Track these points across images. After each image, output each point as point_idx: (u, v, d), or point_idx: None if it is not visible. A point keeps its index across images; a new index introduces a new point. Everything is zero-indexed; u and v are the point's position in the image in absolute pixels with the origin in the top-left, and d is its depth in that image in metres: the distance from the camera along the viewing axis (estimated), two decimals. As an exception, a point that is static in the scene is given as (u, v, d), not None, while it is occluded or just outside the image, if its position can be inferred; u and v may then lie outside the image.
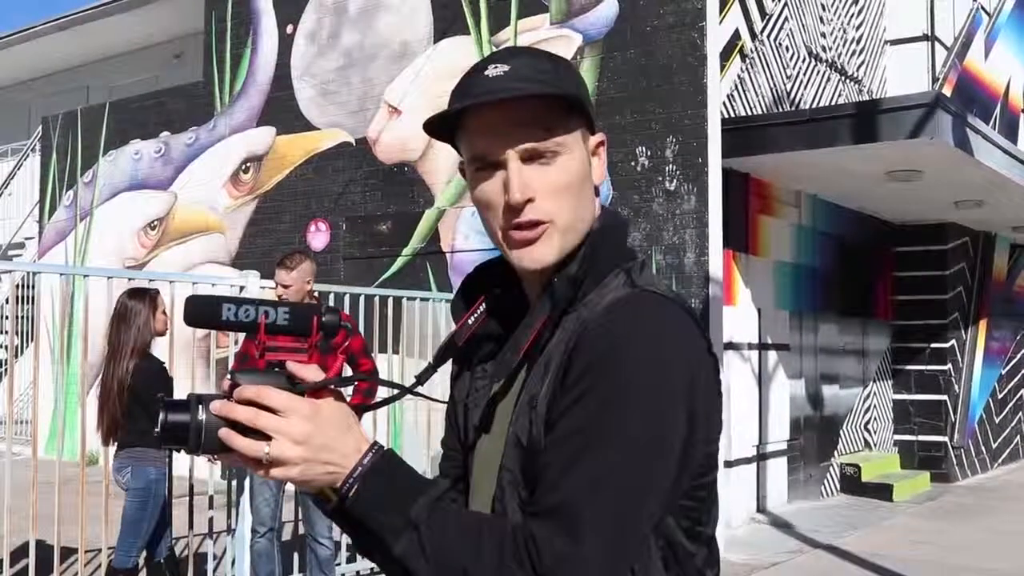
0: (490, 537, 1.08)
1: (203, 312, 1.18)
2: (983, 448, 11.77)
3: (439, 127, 1.23)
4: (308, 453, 1.09)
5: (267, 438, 1.09)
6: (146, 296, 5.07)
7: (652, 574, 1.14)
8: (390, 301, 6.54)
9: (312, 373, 1.14)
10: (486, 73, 1.19)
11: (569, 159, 1.20)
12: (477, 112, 1.19)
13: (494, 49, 8.90)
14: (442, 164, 9.20)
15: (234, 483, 5.64)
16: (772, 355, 8.93)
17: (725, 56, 8.18)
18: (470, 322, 1.29)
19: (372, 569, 6.05)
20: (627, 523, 1.08)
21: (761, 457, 8.66)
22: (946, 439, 10.83)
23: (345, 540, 5.83)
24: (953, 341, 11.03)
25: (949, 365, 10.92)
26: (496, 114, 1.18)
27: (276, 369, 1.15)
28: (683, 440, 1.11)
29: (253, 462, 1.10)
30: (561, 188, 1.19)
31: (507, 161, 1.18)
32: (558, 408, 1.12)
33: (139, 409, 4.84)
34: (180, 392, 5.32)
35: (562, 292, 1.19)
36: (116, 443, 4.98)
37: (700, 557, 1.20)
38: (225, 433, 1.09)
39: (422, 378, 1.29)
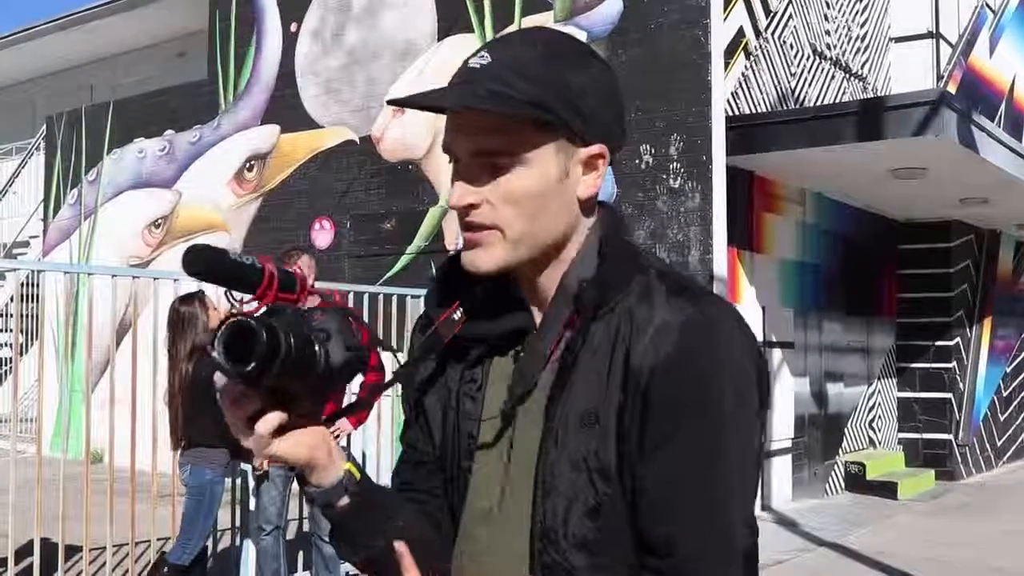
0: None
1: (207, 258, 1.08)
2: (988, 446, 11.75)
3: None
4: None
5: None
6: (194, 299, 5.22)
7: None
8: (394, 299, 6.53)
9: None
10: (470, 62, 1.14)
11: (529, 170, 1.12)
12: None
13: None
14: (446, 162, 9.15)
15: (239, 481, 5.64)
16: (776, 353, 8.91)
17: (729, 54, 8.16)
18: (456, 316, 1.22)
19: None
20: (744, 539, 1.12)
21: (765, 455, 8.66)
22: (951, 437, 10.81)
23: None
24: (958, 339, 11.01)
25: (954, 363, 10.90)
26: (458, 112, 1.14)
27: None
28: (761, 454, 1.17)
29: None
30: (513, 198, 1.13)
31: (459, 161, 1.16)
32: (653, 437, 1.09)
33: (198, 408, 4.98)
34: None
35: (591, 300, 1.15)
36: (183, 443, 5.15)
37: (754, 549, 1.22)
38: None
39: (405, 370, 1.25)
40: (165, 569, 5.11)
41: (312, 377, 1.07)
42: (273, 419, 1.06)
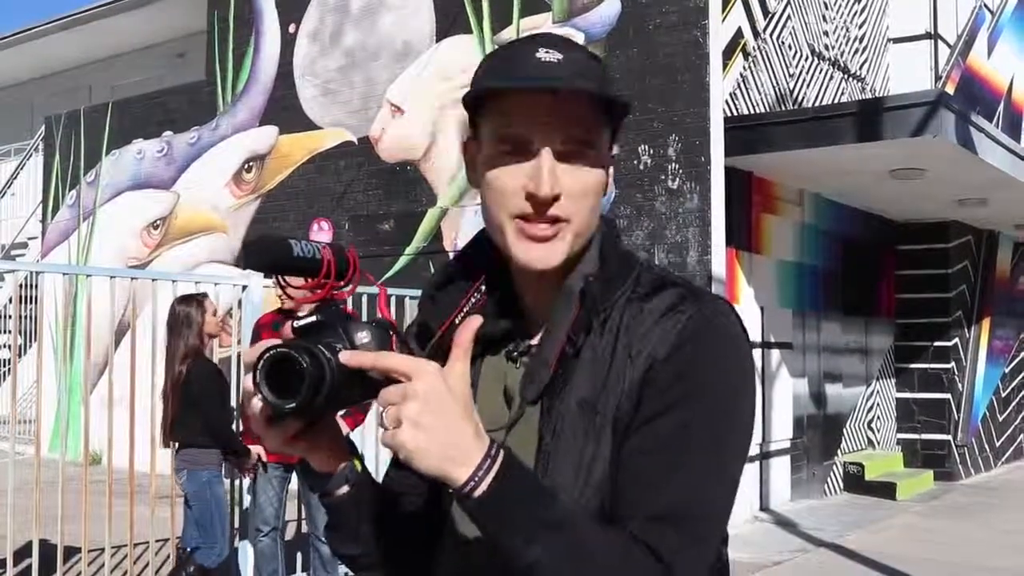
0: (616, 539, 1.04)
1: (273, 251, 1.08)
2: (986, 446, 11.76)
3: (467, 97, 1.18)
4: (430, 423, 1.00)
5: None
6: (193, 301, 5.22)
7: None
8: (392, 300, 6.54)
9: None
10: (538, 56, 1.13)
11: (596, 164, 1.16)
12: (521, 94, 1.13)
13: (496, 48, 8.90)
14: (444, 163, 9.20)
15: (237, 482, 5.64)
16: (775, 354, 8.92)
17: (728, 54, 8.17)
18: (456, 322, 1.21)
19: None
20: (722, 523, 1.14)
21: (764, 456, 8.66)
22: (949, 437, 10.81)
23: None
24: (956, 339, 11.02)
25: (952, 363, 10.91)
26: (546, 102, 1.12)
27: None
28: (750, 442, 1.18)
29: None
30: (585, 191, 1.15)
31: (541, 151, 1.13)
32: (643, 414, 1.10)
33: (192, 410, 5.00)
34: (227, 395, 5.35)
35: (599, 295, 1.16)
36: (177, 444, 5.17)
37: (723, 555, 1.22)
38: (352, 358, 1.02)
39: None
40: (191, 569, 5.14)
41: (345, 401, 1.09)
42: (292, 427, 1.11)
